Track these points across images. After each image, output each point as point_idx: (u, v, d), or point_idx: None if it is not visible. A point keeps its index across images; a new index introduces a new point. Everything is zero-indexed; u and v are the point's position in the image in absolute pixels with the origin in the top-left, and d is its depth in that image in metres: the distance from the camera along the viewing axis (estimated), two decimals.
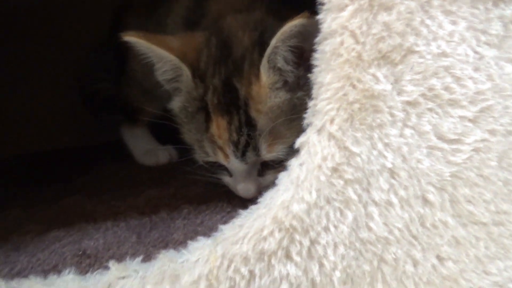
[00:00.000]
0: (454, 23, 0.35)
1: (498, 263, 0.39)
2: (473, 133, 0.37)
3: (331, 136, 0.35)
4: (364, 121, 0.35)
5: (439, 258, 0.38)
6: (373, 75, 0.34)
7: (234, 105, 0.50)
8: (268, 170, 0.54)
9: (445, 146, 0.37)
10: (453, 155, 0.37)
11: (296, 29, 0.44)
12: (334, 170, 0.35)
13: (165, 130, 0.77)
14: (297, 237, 0.35)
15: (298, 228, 0.35)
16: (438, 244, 0.38)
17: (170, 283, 0.34)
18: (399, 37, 0.34)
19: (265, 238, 0.35)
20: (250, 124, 0.49)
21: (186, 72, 0.52)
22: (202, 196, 0.62)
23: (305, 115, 0.37)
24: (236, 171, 0.54)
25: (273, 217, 0.35)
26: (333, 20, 0.34)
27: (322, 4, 0.34)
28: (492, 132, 0.37)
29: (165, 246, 0.46)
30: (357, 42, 0.34)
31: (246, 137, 0.50)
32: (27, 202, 0.68)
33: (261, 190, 0.55)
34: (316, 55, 0.36)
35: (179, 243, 0.46)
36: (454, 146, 0.37)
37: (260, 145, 0.50)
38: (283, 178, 0.37)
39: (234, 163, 0.52)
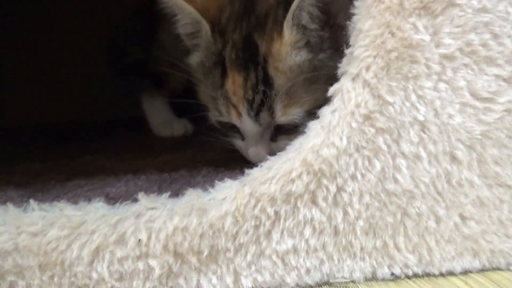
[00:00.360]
0: None
1: None
2: (507, 93, 0.37)
3: (366, 84, 0.35)
4: (400, 70, 0.35)
5: (462, 217, 0.38)
6: (413, 24, 0.35)
7: (252, 61, 0.49)
8: (281, 135, 0.53)
9: (477, 103, 0.37)
10: (484, 113, 0.37)
11: None
12: (367, 117, 0.35)
13: (184, 105, 0.78)
14: (324, 182, 0.35)
15: (326, 172, 0.35)
16: (462, 203, 0.38)
17: (198, 216, 0.34)
18: None
19: (293, 180, 0.35)
20: (267, 82, 0.49)
21: (206, 27, 0.52)
22: (218, 160, 0.62)
23: (339, 64, 0.37)
24: (249, 133, 0.53)
25: (302, 159, 0.35)
26: None
27: None
28: None
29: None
30: None
31: (262, 96, 0.49)
32: (44, 158, 0.69)
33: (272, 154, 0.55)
34: (356, 3, 0.36)
35: None
36: (486, 105, 0.37)
37: (276, 106, 0.49)
38: (314, 125, 0.37)
39: (247, 123, 0.51)
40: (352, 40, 0.36)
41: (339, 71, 0.37)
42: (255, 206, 0.35)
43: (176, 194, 0.47)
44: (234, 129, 0.55)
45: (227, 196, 0.35)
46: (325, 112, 0.37)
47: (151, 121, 0.87)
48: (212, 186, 0.50)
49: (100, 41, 0.97)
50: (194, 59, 0.55)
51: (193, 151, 0.70)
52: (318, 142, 0.35)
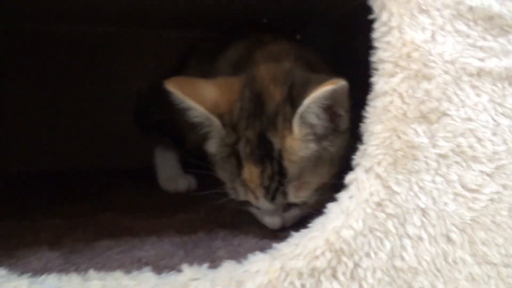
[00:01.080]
0: (478, 95, 0.44)
1: None
2: (490, 185, 0.45)
3: (377, 176, 0.43)
4: (405, 166, 0.43)
5: None
6: (415, 130, 0.43)
7: (268, 156, 0.55)
8: (291, 207, 0.61)
9: (467, 194, 0.45)
10: (473, 202, 0.45)
11: (327, 93, 0.50)
12: (378, 204, 0.42)
13: (194, 159, 0.84)
14: (343, 259, 0.42)
15: (345, 251, 0.42)
16: (457, 279, 0.45)
17: (236, 287, 0.39)
18: (436, 102, 0.43)
19: (317, 257, 0.41)
20: (281, 172, 0.55)
21: (216, 122, 0.57)
22: (232, 223, 0.68)
23: (353, 156, 0.45)
24: (264, 209, 0.60)
25: (325, 239, 0.41)
26: (385, 83, 0.43)
27: (376, 69, 0.43)
28: (504, 186, 0.45)
29: (212, 261, 0.51)
30: (403, 102, 0.42)
31: (277, 184, 0.56)
32: (60, 212, 0.72)
33: (284, 223, 0.62)
34: (368, 109, 0.44)
35: (225, 260, 0.52)
36: (474, 195, 0.45)
37: (288, 190, 0.56)
38: (333, 208, 0.43)
39: (263, 204, 0.58)
40: (365, 139, 0.44)
41: (354, 163, 0.45)
42: (285, 279, 0.40)
43: (203, 260, 0.52)
44: (250, 203, 0.61)
45: (260, 269, 0.41)
46: (343, 197, 0.43)
47: (159, 174, 0.93)
48: (232, 251, 0.56)
49: (110, 91, 1.06)
50: (211, 147, 0.61)
51: (205, 210, 0.75)
52: (338, 224, 0.42)
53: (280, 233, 0.62)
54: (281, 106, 0.56)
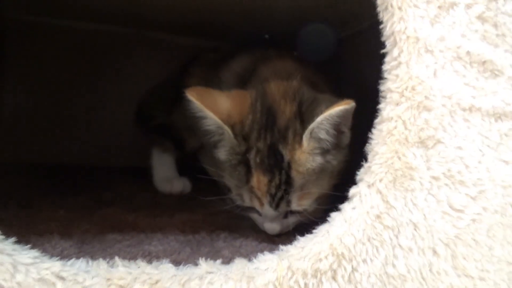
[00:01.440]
0: (469, 128, 0.50)
1: None
2: (473, 207, 0.51)
3: (378, 191, 0.48)
4: (402, 184, 0.48)
5: None
6: (413, 153, 0.49)
7: (277, 166, 0.60)
8: (291, 214, 0.66)
9: (453, 213, 0.51)
10: (457, 221, 0.51)
11: (340, 112, 0.56)
12: (377, 216, 0.48)
13: (190, 162, 0.88)
14: (343, 263, 0.46)
15: (346, 256, 0.46)
16: None
17: (247, 282, 0.43)
18: (433, 130, 0.49)
19: (321, 260, 0.46)
20: (288, 182, 0.60)
21: (228, 132, 0.61)
22: (229, 225, 0.71)
23: (357, 172, 0.50)
24: (267, 216, 0.64)
25: (330, 244, 0.46)
26: (391, 110, 0.48)
27: (384, 97, 0.49)
28: (485, 209, 0.51)
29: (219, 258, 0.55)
30: (405, 128, 0.48)
31: (283, 192, 0.60)
32: (61, 204, 0.74)
33: (283, 228, 0.66)
34: (374, 131, 0.49)
35: (230, 259, 0.56)
36: (459, 214, 0.51)
37: (292, 199, 0.61)
38: (337, 217, 0.48)
39: (267, 210, 0.62)
40: (369, 158, 0.49)
41: (358, 178, 0.50)
42: (291, 278, 0.45)
43: (210, 258, 0.56)
44: (252, 209, 0.65)
45: (269, 267, 0.45)
46: (346, 208, 0.49)
47: (155, 175, 0.96)
48: (235, 251, 0.60)
49: (117, 89, 1.08)
50: (222, 155, 0.64)
51: (202, 213, 0.78)
52: (341, 232, 0.47)
53: (277, 238, 0.67)
54: (291, 121, 0.61)
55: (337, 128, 0.59)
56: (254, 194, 0.61)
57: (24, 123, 1.07)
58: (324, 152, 0.61)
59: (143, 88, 1.05)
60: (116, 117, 1.12)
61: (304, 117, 0.61)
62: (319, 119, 0.57)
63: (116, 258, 0.42)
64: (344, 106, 0.55)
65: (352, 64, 0.97)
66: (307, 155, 0.59)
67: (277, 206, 0.61)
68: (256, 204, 0.62)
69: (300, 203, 0.61)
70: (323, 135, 0.59)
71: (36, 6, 0.94)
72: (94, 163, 1.10)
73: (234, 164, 0.62)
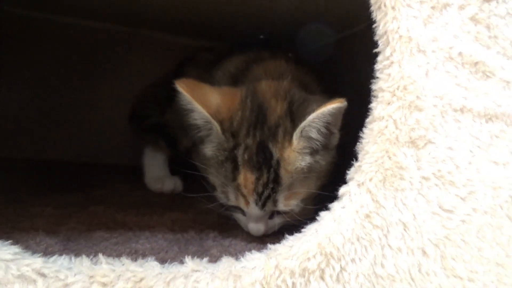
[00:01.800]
0: (459, 128, 0.50)
1: None
2: (462, 208, 0.51)
3: (368, 190, 0.47)
4: (392, 184, 0.48)
5: None
6: (404, 153, 0.48)
7: (266, 164, 0.59)
8: (277, 215, 0.65)
9: (442, 213, 0.50)
10: (446, 221, 0.51)
11: (333, 110, 0.56)
12: (366, 216, 0.47)
13: (183, 161, 0.87)
14: (332, 262, 0.46)
15: (334, 255, 0.46)
16: None
17: (234, 281, 0.43)
18: (424, 130, 0.49)
19: (309, 259, 0.45)
20: (276, 181, 0.59)
21: (217, 127, 0.61)
22: (219, 224, 0.71)
23: (348, 172, 0.50)
24: (252, 215, 0.63)
25: (318, 243, 0.46)
26: (382, 109, 0.48)
27: (376, 97, 0.49)
28: (475, 210, 0.51)
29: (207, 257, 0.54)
30: (396, 128, 0.48)
31: (270, 191, 0.59)
32: (52, 201, 0.73)
33: (268, 230, 0.66)
34: (365, 130, 0.49)
35: (218, 258, 0.55)
36: (448, 215, 0.51)
37: (279, 198, 0.60)
38: (326, 216, 0.48)
39: (252, 210, 0.61)
40: (360, 157, 0.49)
41: (348, 177, 0.49)
42: (278, 276, 0.44)
43: (198, 257, 0.55)
44: (237, 208, 0.64)
45: (256, 266, 0.44)
46: (336, 206, 0.48)
47: (147, 174, 0.95)
48: (224, 250, 0.59)
49: (111, 87, 1.07)
50: (208, 150, 0.63)
51: (193, 212, 0.77)
52: (330, 231, 0.46)
53: (266, 238, 0.66)
54: (282, 119, 0.61)
55: (328, 127, 0.59)
56: (240, 192, 0.60)
57: (16, 119, 1.05)
58: (313, 152, 0.61)
59: (138, 87, 1.04)
60: (111, 115, 1.10)
61: (294, 116, 0.60)
62: (311, 117, 0.56)
63: (100, 255, 0.42)
64: (337, 104, 0.55)
65: (348, 65, 0.97)
66: (297, 154, 0.59)
67: (263, 206, 0.60)
68: (242, 203, 0.61)
69: (287, 203, 0.60)
70: (314, 134, 0.58)
71: (32, 1, 0.93)
72: (88, 160, 1.09)
73: (221, 161, 0.61)
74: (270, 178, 0.59)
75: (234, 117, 0.62)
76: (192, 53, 1.01)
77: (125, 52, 1.11)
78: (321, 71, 0.82)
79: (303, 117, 0.57)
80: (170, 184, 0.94)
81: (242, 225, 0.67)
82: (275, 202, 0.61)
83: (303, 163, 0.59)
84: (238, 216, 0.67)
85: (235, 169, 0.60)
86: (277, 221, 0.66)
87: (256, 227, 0.64)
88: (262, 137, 0.61)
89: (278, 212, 0.64)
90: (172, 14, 0.91)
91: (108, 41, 1.10)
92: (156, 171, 0.96)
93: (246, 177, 0.60)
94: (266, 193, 0.60)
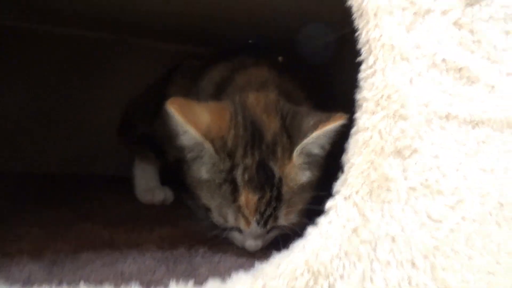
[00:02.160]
0: (445, 136, 0.49)
1: None
2: (451, 217, 0.50)
3: (355, 204, 0.47)
4: (379, 196, 0.47)
5: None
6: (389, 164, 0.47)
7: (268, 183, 0.58)
8: (274, 229, 0.64)
9: (431, 223, 0.49)
10: (435, 231, 0.50)
11: (339, 127, 0.56)
12: (354, 230, 0.46)
13: (173, 173, 0.86)
14: (320, 280, 0.45)
15: (322, 272, 0.45)
16: None
17: None
18: (410, 140, 0.48)
19: (296, 278, 0.44)
20: (278, 198, 0.58)
21: (210, 148, 0.59)
22: (209, 240, 0.69)
23: (335, 183, 0.49)
24: (251, 234, 0.62)
25: (305, 260, 0.45)
26: (367, 119, 0.47)
27: (360, 106, 0.48)
28: (463, 218, 0.50)
29: (195, 278, 0.53)
30: (381, 138, 0.47)
31: (272, 209, 0.59)
32: (39, 220, 0.72)
33: (264, 244, 0.65)
34: (350, 141, 0.48)
35: (206, 278, 0.54)
36: (437, 225, 0.50)
37: (280, 214, 0.59)
38: (313, 231, 0.47)
39: (253, 229, 0.60)
40: (346, 169, 0.48)
41: (334, 190, 0.49)
42: None
43: (186, 276, 0.54)
44: (233, 228, 0.63)
45: (243, 287, 0.43)
46: (322, 221, 0.47)
47: (137, 185, 0.94)
48: (213, 268, 0.58)
49: (101, 97, 1.06)
50: (203, 173, 0.61)
51: (184, 225, 0.76)
52: (317, 247, 0.45)
53: (257, 252, 0.65)
54: (278, 136, 0.60)
55: (330, 143, 0.59)
56: (241, 214, 0.59)
57: (4, 130, 1.04)
58: (312, 165, 0.60)
59: (129, 96, 1.03)
60: (102, 124, 1.09)
61: (289, 131, 0.60)
62: (315, 134, 0.56)
63: (81, 283, 0.40)
64: (343, 121, 0.55)
65: (337, 69, 0.96)
66: (297, 169, 0.59)
67: (265, 224, 0.59)
68: (242, 224, 0.60)
69: (287, 218, 0.60)
70: (317, 150, 0.58)
71: (22, 12, 0.92)
72: (78, 171, 1.08)
73: (219, 183, 0.60)
74: (273, 197, 0.58)
75: (227, 136, 0.61)
76: (181, 60, 1.00)
77: (115, 61, 1.10)
78: (306, 76, 0.81)
79: (301, 133, 0.57)
80: (160, 195, 0.94)
81: (237, 243, 0.66)
82: (276, 219, 0.60)
83: (304, 178, 0.59)
84: (234, 234, 0.65)
85: (235, 190, 0.59)
86: (273, 234, 0.65)
87: (254, 244, 0.63)
88: (261, 156, 0.59)
89: (277, 227, 0.63)
90: (162, 21, 0.90)
91: (98, 50, 1.09)
92: (147, 183, 0.95)
93: (248, 198, 0.58)
94: (268, 212, 0.59)
